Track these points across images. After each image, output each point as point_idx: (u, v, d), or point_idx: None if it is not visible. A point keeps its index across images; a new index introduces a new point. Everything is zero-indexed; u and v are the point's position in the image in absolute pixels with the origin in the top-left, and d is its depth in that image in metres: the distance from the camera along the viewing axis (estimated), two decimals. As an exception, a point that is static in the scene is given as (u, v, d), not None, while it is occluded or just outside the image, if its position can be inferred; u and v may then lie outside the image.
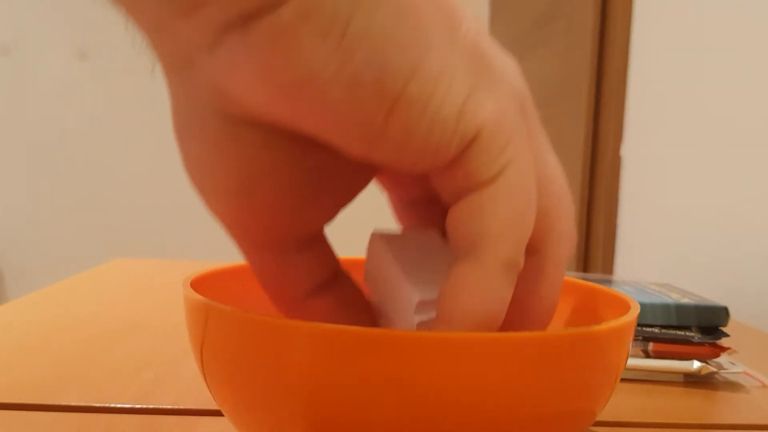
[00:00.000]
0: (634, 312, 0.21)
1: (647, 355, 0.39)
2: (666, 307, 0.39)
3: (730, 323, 0.40)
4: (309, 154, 0.18)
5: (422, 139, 0.16)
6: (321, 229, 0.21)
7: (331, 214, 0.20)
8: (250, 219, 0.19)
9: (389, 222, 0.23)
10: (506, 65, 0.18)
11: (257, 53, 0.15)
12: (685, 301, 0.40)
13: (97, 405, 0.31)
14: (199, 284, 0.24)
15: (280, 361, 0.17)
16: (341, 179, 0.20)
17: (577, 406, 0.19)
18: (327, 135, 0.16)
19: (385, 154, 0.16)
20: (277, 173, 0.18)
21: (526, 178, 0.17)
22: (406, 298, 0.20)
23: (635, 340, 0.39)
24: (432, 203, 0.22)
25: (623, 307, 0.23)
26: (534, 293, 0.20)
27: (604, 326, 0.19)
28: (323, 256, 0.21)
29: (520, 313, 0.20)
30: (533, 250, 0.20)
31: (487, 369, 0.17)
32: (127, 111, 1.94)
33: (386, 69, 0.15)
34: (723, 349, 0.39)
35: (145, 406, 0.31)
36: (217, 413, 0.30)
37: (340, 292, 0.22)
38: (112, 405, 0.31)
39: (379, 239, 0.22)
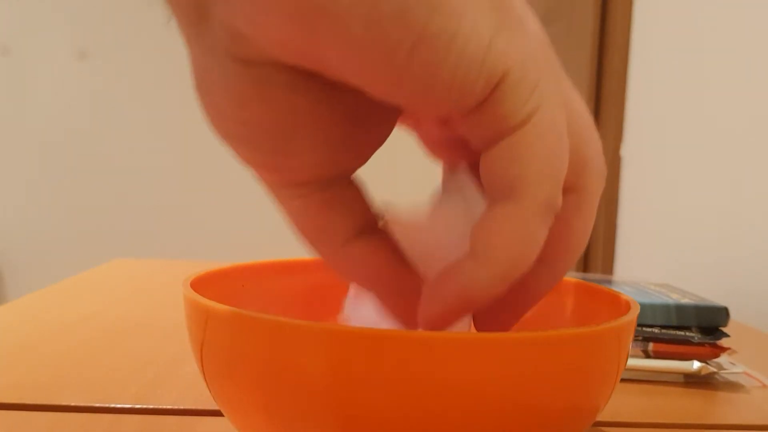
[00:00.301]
0: (634, 312, 0.21)
1: (647, 356, 0.39)
2: (666, 308, 0.39)
3: (730, 323, 0.40)
4: (334, 97, 0.18)
5: (447, 77, 0.16)
6: (360, 165, 0.20)
7: (364, 156, 0.20)
8: (282, 163, 0.18)
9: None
10: (526, 10, 0.18)
11: None
12: (685, 301, 0.40)
13: (98, 405, 0.31)
14: (199, 284, 0.24)
15: (281, 361, 0.17)
16: (371, 121, 0.19)
17: (577, 405, 0.19)
18: (348, 74, 0.16)
19: (409, 94, 0.16)
20: (304, 116, 0.18)
21: (558, 118, 0.17)
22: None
23: (635, 340, 0.39)
24: (459, 142, 0.22)
25: (623, 306, 0.23)
26: (569, 229, 0.20)
27: (604, 326, 0.19)
28: (359, 200, 0.21)
29: (554, 247, 0.20)
30: (568, 187, 0.19)
31: (489, 368, 0.17)
32: (127, 111, 1.94)
33: (406, 4, 0.15)
34: (723, 349, 0.39)
35: (145, 406, 0.31)
36: (217, 413, 0.30)
37: (380, 238, 0.21)
38: (113, 405, 0.31)
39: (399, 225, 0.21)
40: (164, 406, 0.31)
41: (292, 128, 0.18)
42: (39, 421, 0.29)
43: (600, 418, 0.33)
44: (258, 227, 1.84)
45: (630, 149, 1.02)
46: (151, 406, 0.31)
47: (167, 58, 1.79)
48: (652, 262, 0.93)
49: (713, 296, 0.45)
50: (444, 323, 0.18)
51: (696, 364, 0.38)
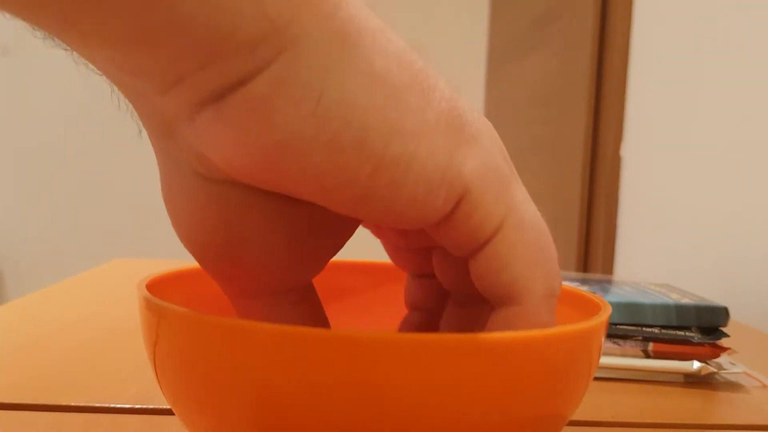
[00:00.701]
0: (605, 313, 0.21)
1: (647, 356, 0.39)
2: (666, 308, 0.39)
3: (730, 323, 0.40)
4: (294, 209, 0.19)
5: (409, 198, 0.16)
6: (309, 281, 0.21)
7: (319, 265, 0.21)
8: (238, 273, 0.19)
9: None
10: (481, 122, 0.19)
11: (234, 124, 0.15)
12: (685, 301, 0.40)
13: (98, 405, 0.31)
14: (156, 286, 0.24)
15: (233, 363, 0.17)
16: (328, 231, 0.20)
17: (547, 408, 0.19)
18: (309, 196, 0.17)
19: (372, 213, 0.17)
20: (262, 229, 0.18)
21: (531, 214, 0.18)
22: None
23: (635, 340, 0.39)
24: (421, 250, 0.23)
25: (594, 308, 0.23)
26: None
27: (575, 327, 0.19)
28: (312, 309, 0.22)
29: None
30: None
31: (456, 372, 0.17)
32: (127, 111, 1.94)
33: (365, 131, 0.15)
34: (723, 349, 0.39)
35: (145, 406, 0.31)
36: (217, 413, 0.30)
37: None
38: (113, 405, 0.31)
39: None
40: (164, 406, 0.31)
41: (245, 241, 0.18)
42: (39, 421, 0.29)
43: (600, 418, 0.33)
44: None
45: (630, 149, 1.02)
46: (151, 406, 0.31)
47: (167, 58, 1.79)
48: (652, 262, 0.93)
49: (713, 296, 0.45)
50: None
51: (696, 364, 0.38)
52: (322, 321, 0.22)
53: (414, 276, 0.25)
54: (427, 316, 0.25)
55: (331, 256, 0.21)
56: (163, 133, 0.17)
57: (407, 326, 0.25)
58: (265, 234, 0.19)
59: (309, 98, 0.15)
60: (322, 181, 0.16)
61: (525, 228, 0.18)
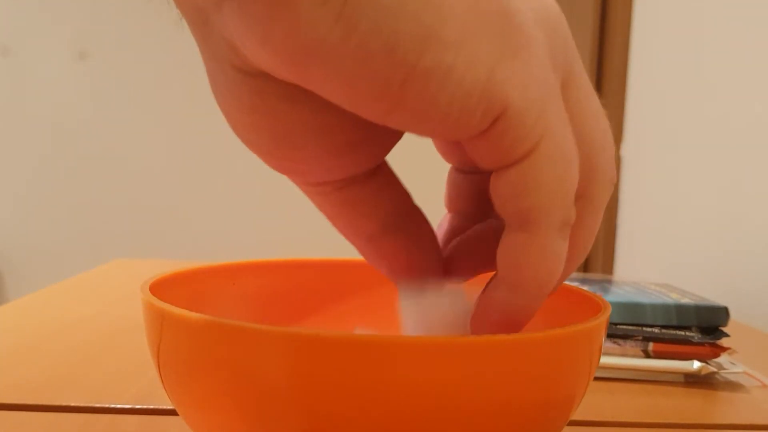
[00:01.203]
0: (606, 313, 0.21)
1: (647, 356, 0.39)
2: (666, 307, 0.39)
3: (730, 323, 0.40)
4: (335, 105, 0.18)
5: (442, 112, 0.15)
6: (380, 162, 0.20)
7: (377, 155, 0.20)
8: (292, 166, 0.18)
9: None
10: (540, 12, 0.17)
11: (255, 19, 0.14)
12: (685, 301, 0.40)
13: (98, 405, 0.31)
14: (159, 287, 0.24)
15: (235, 364, 0.17)
16: (378, 125, 0.19)
17: (549, 408, 0.19)
18: (340, 102, 0.16)
19: (404, 123, 0.16)
20: (305, 123, 0.18)
21: (565, 140, 0.17)
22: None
23: (636, 340, 0.39)
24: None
25: (594, 308, 0.23)
26: (572, 236, 0.20)
27: (576, 328, 0.19)
28: (388, 189, 0.20)
29: None
30: (576, 195, 0.19)
31: (460, 372, 0.17)
32: (127, 111, 1.94)
33: (397, 38, 0.14)
34: (723, 349, 0.38)
35: (145, 407, 0.31)
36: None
37: (411, 231, 0.21)
38: (113, 405, 0.31)
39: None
40: (164, 407, 0.31)
41: (295, 135, 0.18)
42: (39, 422, 0.29)
43: (600, 418, 0.33)
44: (258, 227, 1.84)
45: (630, 149, 1.02)
46: (151, 407, 0.31)
47: (167, 58, 1.79)
48: (652, 262, 0.93)
49: (713, 296, 0.45)
50: None
51: (696, 364, 0.38)
52: (398, 197, 0.21)
53: (457, 170, 0.23)
54: (461, 221, 0.23)
55: (389, 148, 0.20)
56: (200, 22, 0.17)
57: (439, 231, 0.23)
58: (310, 127, 0.18)
59: None
60: (349, 88, 0.15)
61: (556, 156, 0.16)
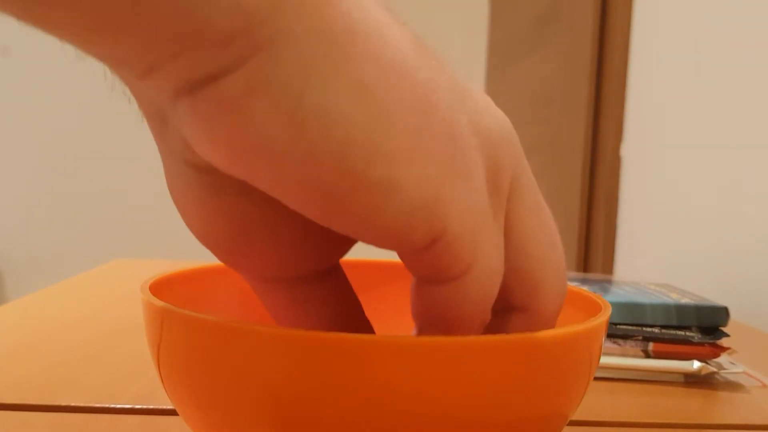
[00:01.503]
0: (606, 313, 0.21)
1: (647, 356, 0.39)
2: (666, 307, 0.39)
3: (730, 323, 0.40)
4: None
5: (386, 225, 0.15)
6: (333, 264, 0.20)
7: (331, 256, 0.20)
8: (251, 262, 0.19)
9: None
10: (486, 131, 0.17)
11: (205, 120, 0.14)
12: (685, 301, 0.40)
13: (98, 405, 0.31)
14: (159, 287, 0.24)
15: (236, 365, 0.17)
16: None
17: (548, 409, 0.19)
18: (285, 201, 0.16)
19: (346, 229, 0.16)
20: (257, 220, 0.18)
21: (493, 263, 0.17)
22: None
23: (636, 340, 0.39)
24: None
25: (594, 308, 0.23)
26: None
27: (575, 328, 0.19)
28: (338, 295, 0.21)
29: None
30: (520, 305, 0.20)
31: (458, 373, 0.17)
32: (127, 111, 1.94)
33: (346, 147, 0.14)
34: (723, 349, 0.39)
35: (145, 407, 0.31)
36: (217, 413, 0.30)
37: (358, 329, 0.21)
38: (113, 405, 0.31)
39: None
40: (164, 407, 0.31)
41: (247, 230, 0.18)
42: (39, 422, 0.29)
43: (600, 418, 0.33)
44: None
45: (630, 149, 1.02)
46: (151, 407, 0.31)
47: (167, 58, 1.79)
48: (652, 262, 0.93)
49: (713, 296, 0.45)
50: None
51: (696, 364, 0.38)
52: (348, 302, 0.21)
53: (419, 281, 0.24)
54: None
55: (345, 249, 0.20)
56: (156, 118, 0.17)
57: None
58: (266, 220, 0.18)
59: (286, 105, 0.14)
60: (294, 190, 0.15)
61: (483, 278, 0.17)
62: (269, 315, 0.21)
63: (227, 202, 0.17)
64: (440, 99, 0.16)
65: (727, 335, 0.39)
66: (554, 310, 0.20)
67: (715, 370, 0.38)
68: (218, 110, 0.14)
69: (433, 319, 0.18)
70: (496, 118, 0.18)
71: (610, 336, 0.39)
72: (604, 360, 0.39)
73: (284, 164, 0.14)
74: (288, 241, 0.18)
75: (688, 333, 0.39)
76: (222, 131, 0.14)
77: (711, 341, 0.38)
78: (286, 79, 0.14)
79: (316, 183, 0.15)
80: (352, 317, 0.21)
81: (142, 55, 0.14)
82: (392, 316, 0.30)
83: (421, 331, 0.19)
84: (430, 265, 0.17)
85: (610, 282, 0.48)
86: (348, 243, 0.20)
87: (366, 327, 0.22)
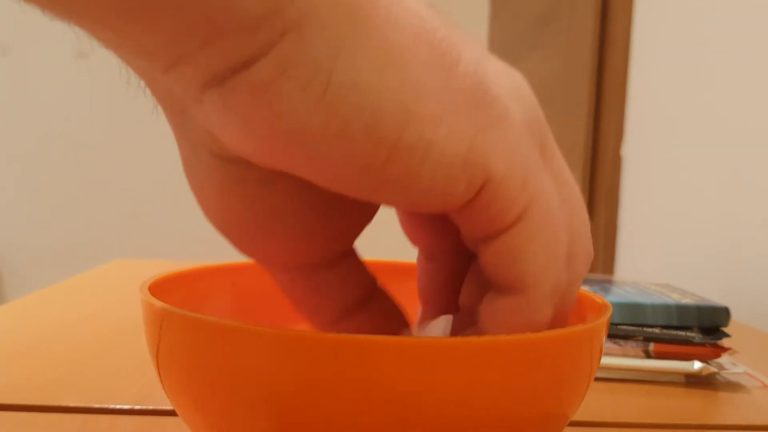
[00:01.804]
0: (607, 314, 0.21)
1: (648, 356, 0.39)
2: (667, 308, 0.39)
3: (731, 324, 0.40)
4: (311, 189, 0.18)
5: (426, 185, 0.15)
6: (348, 247, 0.21)
7: (347, 240, 0.20)
8: (272, 250, 0.19)
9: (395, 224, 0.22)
10: (513, 86, 0.17)
11: (237, 109, 0.14)
12: (685, 301, 0.40)
13: (97, 406, 0.31)
14: (158, 287, 0.24)
15: (235, 365, 0.17)
16: (351, 207, 0.19)
17: (549, 409, 0.19)
18: (324, 183, 0.16)
19: (389, 199, 0.16)
20: (280, 209, 0.18)
21: (551, 207, 0.17)
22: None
23: (636, 340, 0.39)
24: (440, 227, 0.22)
25: (596, 308, 0.23)
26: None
27: (576, 328, 0.19)
28: (354, 273, 0.21)
29: None
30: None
31: (459, 373, 0.17)
32: (127, 111, 1.94)
33: (378, 118, 0.14)
34: (724, 349, 0.38)
35: (145, 407, 0.31)
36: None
37: (376, 310, 0.21)
38: (113, 406, 0.31)
39: None
40: (164, 407, 0.31)
41: (269, 220, 0.18)
42: (39, 422, 0.29)
43: (601, 418, 0.33)
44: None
45: (630, 149, 1.02)
46: (151, 407, 0.31)
47: (167, 58, 1.79)
48: (653, 262, 0.93)
49: (714, 296, 0.45)
50: None
51: (697, 365, 0.38)
52: (366, 281, 0.21)
53: (426, 258, 0.23)
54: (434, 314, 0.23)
55: (358, 232, 0.20)
56: (176, 111, 0.17)
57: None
58: (289, 210, 0.18)
59: (316, 84, 0.14)
60: (332, 169, 0.15)
61: (544, 222, 0.17)
62: (291, 303, 0.21)
63: (250, 191, 0.17)
64: (461, 54, 0.16)
65: (728, 335, 0.39)
66: (585, 272, 0.19)
67: (716, 370, 0.38)
68: (250, 98, 0.14)
69: (502, 283, 0.17)
70: (514, 76, 0.18)
71: (611, 336, 0.39)
72: (605, 360, 0.39)
73: (319, 145, 0.15)
74: (308, 228, 0.18)
75: (688, 333, 0.39)
76: (255, 120, 0.14)
77: (712, 341, 0.38)
78: (315, 59, 0.14)
79: (353, 158, 0.15)
80: (368, 293, 0.21)
81: (171, 45, 0.14)
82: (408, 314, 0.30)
83: (488, 302, 0.18)
84: (482, 216, 0.16)
85: (610, 282, 0.48)
86: (365, 222, 0.20)
87: (382, 298, 0.22)
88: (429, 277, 0.23)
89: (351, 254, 0.21)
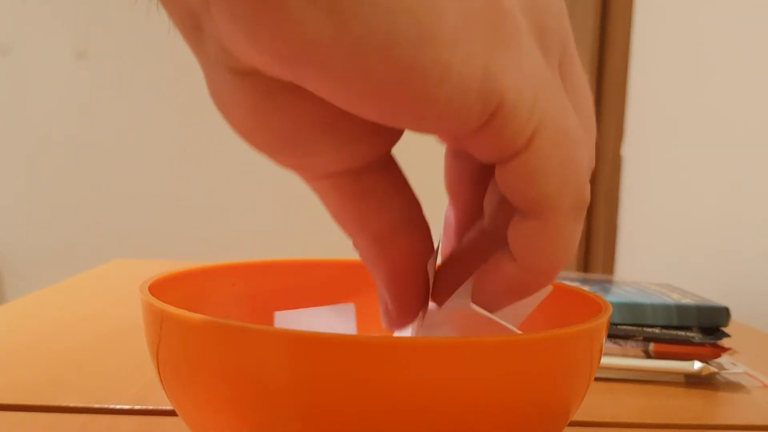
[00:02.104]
0: (606, 313, 0.21)
1: (648, 356, 0.39)
2: (667, 308, 0.39)
3: (731, 323, 0.40)
4: None
5: (441, 109, 0.15)
6: (388, 151, 0.20)
7: (389, 141, 0.19)
8: (309, 160, 0.18)
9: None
10: (524, 6, 0.16)
11: (245, 20, 0.14)
12: (685, 301, 0.40)
13: (97, 406, 0.31)
14: (158, 287, 0.24)
15: (234, 365, 0.17)
16: None
17: (549, 408, 0.19)
18: (336, 102, 0.16)
19: (402, 122, 0.16)
20: (311, 116, 0.17)
21: (565, 123, 0.16)
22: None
23: (636, 340, 0.39)
24: None
25: (596, 307, 0.23)
26: None
27: (576, 328, 0.19)
28: (399, 186, 0.20)
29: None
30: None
31: (460, 372, 0.17)
32: (127, 111, 1.94)
33: (392, 37, 0.14)
34: (724, 349, 0.38)
35: (145, 407, 0.31)
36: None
37: (416, 235, 0.20)
38: (113, 406, 0.31)
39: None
40: (164, 407, 0.31)
41: (303, 130, 0.17)
42: (39, 422, 0.29)
43: (601, 418, 0.33)
44: (258, 227, 1.84)
45: (630, 149, 1.02)
46: (151, 407, 0.31)
47: (167, 58, 1.79)
48: (653, 262, 0.93)
49: (714, 296, 0.45)
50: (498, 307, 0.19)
51: (697, 365, 0.38)
52: (407, 192, 0.20)
53: (453, 154, 0.22)
54: (463, 214, 0.23)
55: (400, 133, 0.19)
56: (192, 27, 0.16)
57: (447, 230, 0.23)
58: (319, 115, 0.17)
59: None
60: (344, 88, 0.15)
61: (558, 141, 0.16)
62: (336, 220, 0.20)
63: (279, 102, 0.17)
64: None
65: (727, 335, 0.39)
66: (574, 222, 0.19)
67: (715, 370, 0.38)
68: (254, 6, 0.14)
69: (521, 207, 0.17)
70: None
71: (611, 336, 0.39)
72: (605, 360, 0.39)
73: (330, 62, 0.14)
74: (345, 133, 0.18)
75: (688, 333, 0.39)
76: (260, 30, 0.14)
77: (712, 341, 0.38)
78: None
79: (366, 78, 0.14)
80: (412, 211, 0.20)
81: None
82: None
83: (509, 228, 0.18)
84: (495, 140, 0.16)
85: (610, 282, 0.48)
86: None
87: (423, 224, 0.21)
88: (454, 173, 0.22)
89: (394, 167, 0.20)
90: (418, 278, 0.21)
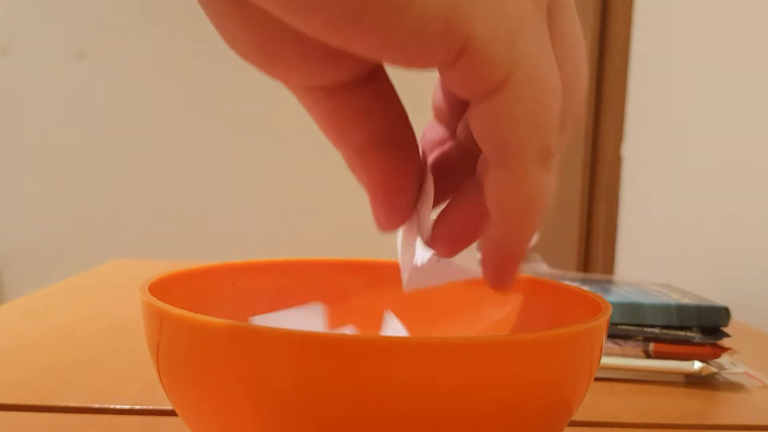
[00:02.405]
0: (606, 313, 0.21)
1: (648, 356, 0.39)
2: (667, 308, 0.39)
3: (731, 323, 0.40)
4: None
5: (402, 44, 0.15)
6: (377, 73, 0.20)
7: (365, 61, 0.19)
8: (284, 72, 0.18)
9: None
10: None
11: None
12: (685, 301, 0.40)
13: (97, 406, 0.31)
14: (158, 287, 0.24)
15: (234, 364, 0.17)
16: None
17: (550, 408, 0.19)
18: (298, 28, 0.15)
19: (364, 52, 0.15)
20: (288, 30, 0.17)
21: (541, 71, 0.16)
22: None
23: (636, 340, 0.39)
24: None
25: (596, 307, 0.23)
26: None
27: (576, 328, 0.19)
28: (383, 101, 0.20)
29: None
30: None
31: (461, 372, 0.17)
32: (127, 111, 1.94)
33: None
34: (724, 349, 0.38)
35: (145, 407, 0.31)
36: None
37: (400, 147, 0.20)
38: (113, 406, 0.31)
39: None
40: (164, 407, 0.31)
41: (273, 41, 0.17)
42: (38, 422, 0.29)
43: (601, 418, 0.33)
44: (257, 228, 1.84)
45: (630, 149, 1.02)
46: (151, 407, 0.31)
47: (167, 58, 1.79)
48: (653, 262, 0.93)
49: (714, 296, 0.45)
50: (509, 279, 0.19)
51: (697, 365, 0.38)
52: (392, 111, 0.20)
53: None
54: (442, 134, 0.23)
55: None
56: None
57: (422, 141, 0.23)
58: (292, 32, 0.17)
59: None
60: (303, 17, 0.15)
61: (531, 87, 0.16)
62: (321, 131, 0.20)
63: (248, 14, 0.17)
64: None
65: (727, 335, 0.39)
66: (572, 132, 0.19)
67: (715, 370, 0.38)
68: None
69: (488, 152, 0.17)
70: None
71: (611, 336, 0.39)
72: (605, 360, 0.39)
73: None
74: (317, 49, 0.18)
75: (688, 333, 0.39)
76: None
77: (712, 341, 0.38)
78: None
79: (324, 7, 0.14)
80: (395, 128, 0.20)
81: None
82: (410, 314, 0.30)
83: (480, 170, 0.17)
84: (464, 78, 0.16)
85: (610, 282, 0.48)
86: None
87: (409, 137, 0.21)
88: (442, 91, 0.23)
89: (381, 80, 0.20)
90: (401, 189, 0.20)
